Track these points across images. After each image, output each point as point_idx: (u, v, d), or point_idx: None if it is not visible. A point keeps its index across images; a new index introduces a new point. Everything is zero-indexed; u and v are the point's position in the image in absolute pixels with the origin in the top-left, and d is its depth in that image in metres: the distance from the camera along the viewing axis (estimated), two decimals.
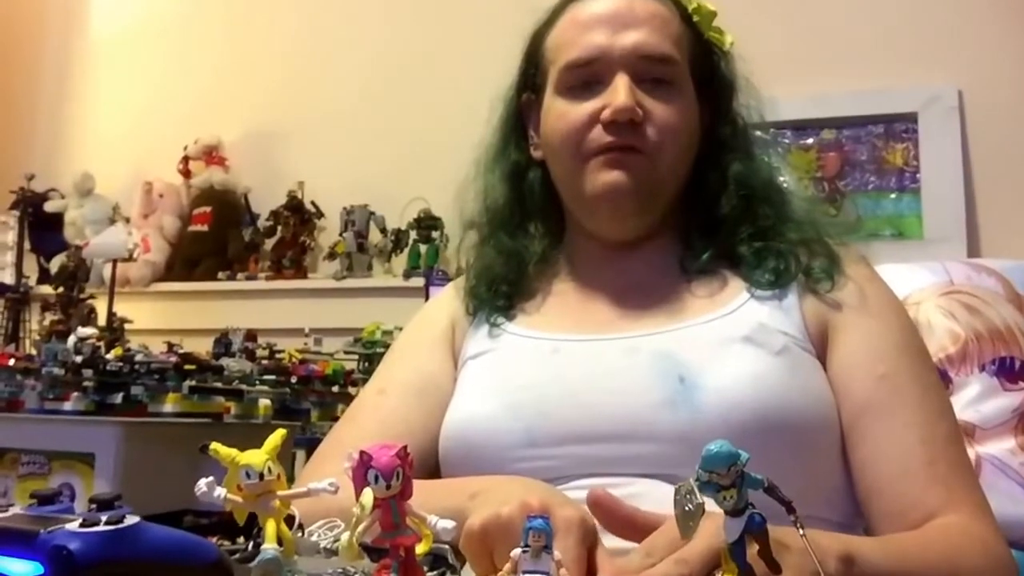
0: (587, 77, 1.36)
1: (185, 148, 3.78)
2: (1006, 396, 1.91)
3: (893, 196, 2.81)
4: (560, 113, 1.38)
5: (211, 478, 0.73)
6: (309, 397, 2.64)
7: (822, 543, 0.92)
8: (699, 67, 1.41)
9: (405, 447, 0.73)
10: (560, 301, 1.43)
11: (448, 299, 1.52)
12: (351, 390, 2.71)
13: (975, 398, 1.90)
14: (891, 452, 1.21)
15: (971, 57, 2.79)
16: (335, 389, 2.71)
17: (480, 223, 1.51)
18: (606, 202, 1.35)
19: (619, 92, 1.31)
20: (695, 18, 1.42)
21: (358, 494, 0.72)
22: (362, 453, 0.72)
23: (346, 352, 2.89)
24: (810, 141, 2.91)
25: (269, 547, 0.72)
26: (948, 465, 1.21)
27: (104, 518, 0.68)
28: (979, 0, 2.81)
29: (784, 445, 1.18)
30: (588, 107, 1.34)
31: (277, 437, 0.76)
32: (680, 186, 1.40)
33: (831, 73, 2.92)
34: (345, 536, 0.72)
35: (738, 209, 1.38)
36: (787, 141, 2.89)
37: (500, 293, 1.44)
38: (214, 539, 1.67)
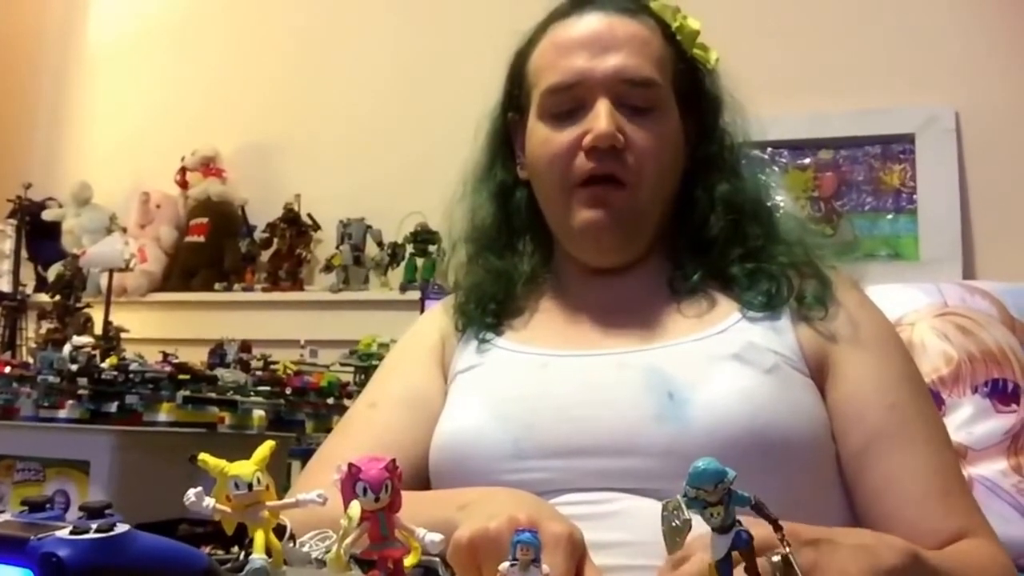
0: (568, 102, 1.36)
1: (182, 159, 3.79)
2: (998, 418, 1.91)
3: (890, 217, 2.83)
4: (543, 139, 1.38)
5: (200, 488, 0.73)
6: (304, 409, 2.63)
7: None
8: (683, 85, 1.41)
9: (394, 460, 0.74)
10: (548, 319, 1.43)
11: (438, 315, 1.52)
12: (346, 402, 2.70)
13: (968, 420, 1.90)
14: (906, 480, 1.23)
15: (968, 79, 2.80)
16: (330, 401, 2.70)
17: (468, 241, 1.51)
18: (588, 238, 1.36)
19: (600, 118, 1.31)
20: (678, 36, 1.42)
21: (347, 506, 0.73)
22: (351, 466, 0.73)
23: (342, 364, 2.89)
24: (807, 161, 2.92)
25: (257, 557, 0.73)
26: (960, 494, 1.25)
27: (94, 526, 0.69)
28: (977, 23, 2.82)
29: (772, 461, 1.18)
30: (570, 134, 1.34)
31: (266, 448, 0.77)
32: (665, 210, 1.40)
33: (829, 93, 2.93)
34: (334, 548, 0.73)
35: (727, 230, 1.38)
36: (784, 160, 2.90)
37: (488, 311, 1.44)
38: (207, 548, 1.67)
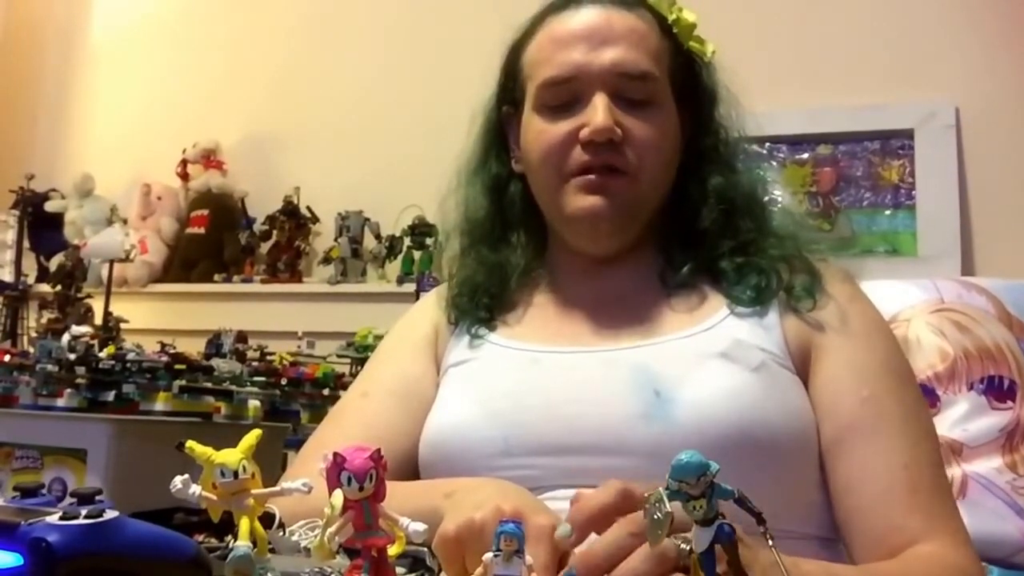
0: (565, 95, 1.34)
1: (183, 152, 3.81)
2: (994, 415, 1.90)
3: (888, 213, 2.82)
4: (539, 132, 1.36)
5: (187, 475, 0.74)
6: (299, 399, 2.65)
7: (803, 568, 0.93)
8: (679, 78, 1.40)
9: (379, 450, 0.74)
10: (540, 313, 1.42)
11: (431, 305, 1.51)
12: (342, 393, 2.70)
13: (963, 416, 1.89)
14: (874, 475, 1.20)
15: (968, 75, 2.80)
16: (326, 392, 2.71)
17: (462, 234, 1.50)
18: (585, 224, 1.35)
19: (598, 112, 1.30)
20: (675, 29, 1.40)
21: (331, 495, 0.73)
22: (336, 455, 0.73)
23: (338, 356, 2.90)
24: (806, 156, 2.91)
25: (241, 545, 0.73)
26: (930, 491, 1.20)
27: (84, 512, 0.69)
28: (977, 19, 2.82)
29: (759, 460, 1.18)
30: (566, 126, 1.33)
31: (252, 437, 0.77)
32: (661, 201, 1.39)
33: (828, 88, 2.93)
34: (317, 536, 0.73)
35: (718, 223, 1.37)
36: (782, 155, 2.89)
37: (481, 305, 1.43)
38: (201, 537, 1.67)
